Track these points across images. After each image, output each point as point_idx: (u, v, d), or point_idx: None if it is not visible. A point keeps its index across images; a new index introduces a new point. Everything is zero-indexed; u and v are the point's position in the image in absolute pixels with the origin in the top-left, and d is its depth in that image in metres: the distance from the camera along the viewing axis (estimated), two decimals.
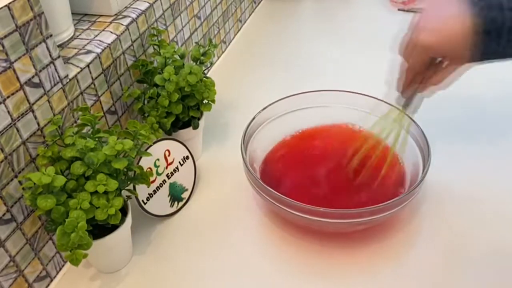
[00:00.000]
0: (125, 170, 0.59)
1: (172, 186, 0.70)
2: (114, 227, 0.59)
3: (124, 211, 0.61)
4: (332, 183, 0.71)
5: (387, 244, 0.65)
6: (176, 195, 0.71)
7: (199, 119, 0.76)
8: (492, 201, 0.70)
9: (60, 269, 0.64)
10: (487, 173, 0.74)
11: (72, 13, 0.67)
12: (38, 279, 0.60)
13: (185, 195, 0.73)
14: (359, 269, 0.62)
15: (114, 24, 0.70)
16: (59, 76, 0.58)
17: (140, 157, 0.64)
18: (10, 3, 0.49)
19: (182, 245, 0.67)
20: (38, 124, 0.56)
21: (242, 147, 0.68)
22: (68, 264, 0.65)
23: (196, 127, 0.75)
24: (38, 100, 0.55)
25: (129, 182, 0.61)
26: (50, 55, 0.56)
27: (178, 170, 0.71)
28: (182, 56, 0.74)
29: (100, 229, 0.58)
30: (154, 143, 0.67)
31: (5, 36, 0.49)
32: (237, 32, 1.16)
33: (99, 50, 0.65)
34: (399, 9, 1.20)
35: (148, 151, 0.64)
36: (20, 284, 0.57)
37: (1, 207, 0.53)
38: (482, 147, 0.78)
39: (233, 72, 1.02)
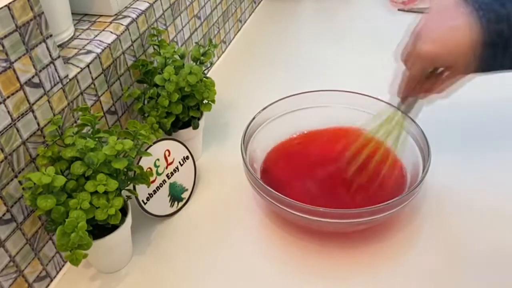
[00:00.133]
0: (125, 170, 0.59)
1: (172, 186, 0.70)
2: (114, 227, 0.59)
3: (124, 211, 0.61)
4: (333, 183, 0.71)
5: (387, 244, 0.65)
6: (176, 195, 0.71)
7: (199, 119, 0.76)
8: (492, 201, 0.70)
9: (60, 269, 0.64)
10: (487, 173, 0.74)
11: (72, 13, 0.67)
12: (38, 279, 0.60)
13: (185, 195, 0.73)
14: (359, 269, 0.62)
15: (114, 24, 0.70)
16: (59, 76, 0.58)
17: (140, 157, 0.64)
18: (10, 3, 0.49)
19: (182, 245, 0.67)
20: (38, 124, 0.56)
21: (242, 147, 0.68)
22: (68, 264, 0.65)
23: (196, 127, 0.75)
24: (38, 100, 0.55)
25: (129, 182, 0.61)
26: (50, 55, 0.56)
27: (178, 170, 0.71)
28: (182, 56, 0.74)
29: (100, 229, 0.58)
30: (154, 143, 0.67)
31: (5, 36, 0.49)
32: (237, 32, 1.16)
33: (99, 50, 0.65)
34: (399, 9, 1.20)
35: (148, 151, 0.64)
36: (20, 284, 0.57)
37: (1, 207, 0.53)
38: (482, 147, 0.78)
39: (233, 72, 1.02)
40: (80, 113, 0.62)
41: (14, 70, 0.51)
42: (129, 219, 0.61)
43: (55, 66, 0.57)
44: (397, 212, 0.62)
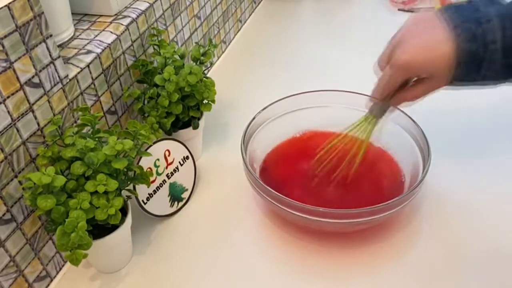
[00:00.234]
0: (125, 170, 0.59)
1: (172, 186, 0.70)
2: (114, 227, 0.59)
3: (124, 211, 0.61)
4: (332, 183, 0.71)
5: (387, 244, 0.65)
6: (176, 195, 0.71)
7: (199, 119, 0.76)
8: (492, 201, 0.70)
9: (60, 269, 0.64)
10: (487, 173, 0.74)
11: (72, 13, 0.67)
12: (38, 279, 0.60)
13: (185, 195, 0.73)
14: (359, 269, 0.62)
15: (114, 24, 0.70)
16: (59, 76, 0.58)
17: (140, 157, 0.64)
18: (10, 3, 0.49)
19: (182, 245, 0.67)
20: (38, 124, 0.56)
21: (242, 147, 0.68)
22: (68, 264, 0.65)
23: (196, 127, 0.75)
24: (38, 100, 0.55)
25: (129, 182, 0.61)
26: (50, 55, 0.56)
27: (178, 170, 0.71)
28: (182, 56, 0.74)
29: (100, 229, 0.58)
30: (154, 143, 0.67)
31: (5, 36, 0.49)
32: (237, 32, 1.16)
33: (99, 50, 0.65)
34: (399, 9, 1.20)
35: (148, 151, 0.64)
36: (20, 284, 0.57)
37: (1, 207, 0.53)
38: (482, 147, 0.78)
39: (233, 72, 1.02)
40: (80, 113, 0.62)
41: (14, 70, 0.51)
42: (129, 219, 0.61)
43: (55, 66, 0.57)
44: (397, 212, 0.62)
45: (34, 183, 0.51)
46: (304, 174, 0.72)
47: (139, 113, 0.73)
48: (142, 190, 0.65)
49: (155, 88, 0.70)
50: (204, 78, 0.74)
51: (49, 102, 0.57)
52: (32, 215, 0.57)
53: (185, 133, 0.75)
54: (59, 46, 0.65)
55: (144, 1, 0.76)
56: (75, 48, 0.65)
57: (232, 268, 0.64)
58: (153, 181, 0.67)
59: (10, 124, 0.52)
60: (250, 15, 1.23)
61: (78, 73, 0.62)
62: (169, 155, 0.69)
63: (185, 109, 0.72)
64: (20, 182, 0.55)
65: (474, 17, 0.54)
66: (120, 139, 0.57)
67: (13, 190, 0.54)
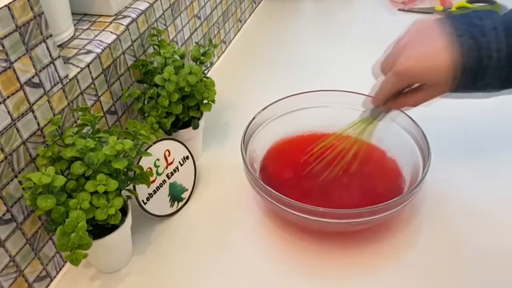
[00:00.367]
0: (125, 170, 0.59)
1: (172, 186, 0.70)
2: (114, 227, 0.59)
3: (124, 211, 0.61)
4: (332, 183, 0.71)
5: (387, 244, 0.65)
6: (176, 195, 0.71)
7: (199, 119, 0.76)
8: (492, 201, 0.70)
9: (60, 269, 0.64)
10: (487, 173, 0.74)
11: (72, 13, 0.67)
12: (38, 279, 0.60)
13: (185, 195, 0.73)
14: (359, 269, 0.63)
15: (114, 24, 0.70)
16: (59, 76, 0.58)
17: (140, 157, 0.64)
18: (10, 3, 0.49)
19: (182, 245, 0.67)
20: (38, 124, 0.56)
21: (242, 147, 0.68)
22: (68, 264, 0.65)
23: (196, 127, 0.75)
24: (38, 100, 0.55)
25: (129, 182, 0.61)
26: (50, 55, 0.56)
27: (178, 170, 0.71)
28: (182, 56, 0.74)
29: (100, 229, 0.58)
30: (154, 143, 0.67)
31: (5, 36, 0.49)
32: (237, 32, 1.16)
33: (99, 50, 0.65)
34: (399, 9, 1.20)
35: (148, 151, 0.64)
36: (20, 284, 0.57)
37: (1, 207, 0.53)
38: (482, 147, 0.78)
39: (233, 72, 1.02)
40: (80, 113, 0.62)
41: (14, 70, 0.51)
42: (129, 219, 0.61)
43: (55, 66, 0.57)
44: (397, 212, 0.62)
45: (34, 183, 0.51)
46: (304, 174, 0.72)
47: (139, 113, 0.73)
48: (142, 190, 0.65)
49: (155, 88, 0.70)
50: (204, 78, 0.74)
51: (49, 102, 0.57)
52: (32, 215, 0.57)
53: (185, 133, 0.75)
54: (59, 46, 0.65)
55: (144, 1, 0.76)
56: (75, 48, 0.65)
57: (232, 268, 0.64)
58: (153, 181, 0.67)
59: (10, 124, 0.52)
60: (250, 15, 1.23)
61: (78, 73, 0.62)
62: (169, 155, 0.69)
63: (185, 109, 0.72)
64: (20, 182, 0.55)
65: (478, 24, 0.55)
66: (120, 139, 0.57)
67: (13, 190, 0.54)
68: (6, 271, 0.55)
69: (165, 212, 0.70)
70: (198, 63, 0.75)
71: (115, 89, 0.70)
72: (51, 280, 0.63)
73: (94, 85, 0.65)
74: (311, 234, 0.67)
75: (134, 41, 0.73)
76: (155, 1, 0.77)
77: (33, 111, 0.55)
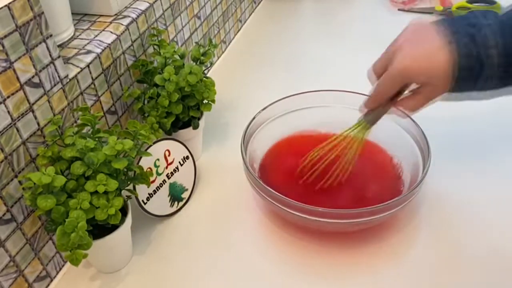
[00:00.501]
0: (125, 170, 0.59)
1: (172, 186, 0.70)
2: (114, 227, 0.59)
3: (124, 211, 0.61)
4: (332, 183, 0.71)
5: (387, 244, 0.65)
6: (176, 195, 0.71)
7: (199, 119, 0.76)
8: (492, 201, 0.70)
9: (60, 269, 0.64)
10: (487, 173, 0.74)
11: (72, 13, 0.67)
12: (38, 279, 0.60)
13: (185, 195, 0.73)
14: (358, 269, 0.63)
15: (114, 24, 0.70)
16: (59, 76, 0.58)
17: (140, 157, 0.64)
18: (10, 3, 0.49)
19: (182, 245, 0.67)
20: (38, 124, 0.56)
21: (242, 147, 0.68)
22: (68, 264, 0.65)
23: (196, 127, 0.75)
24: (38, 100, 0.55)
25: (129, 182, 0.61)
26: (50, 55, 0.56)
27: (178, 170, 0.71)
28: (182, 56, 0.74)
29: (100, 229, 0.58)
30: (154, 143, 0.67)
31: (5, 36, 0.49)
32: (237, 32, 1.16)
33: (99, 50, 0.65)
34: (399, 9, 1.20)
35: (148, 151, 0.64)
36: (20, 284, 0.57)
37: (1, 207, 0.53)
38: (482, 147, 0.78)
39: (233, 72, 1.02)
40: (80, 113, 0.62)
41: (14, 70, 0.51)
42: (129, 219, 0.61)
43: (55, 66, 0.57)
44: (396, 212, 0.62)
45: (34, 183, 0.51)
46: (303, 178, 0.72)
47: (139, 113, 0.73)
48: (142, 190, 0.65)
49: (155, 88, 0.70)
50: (204, 78, 0.74)
51: (49, 102, 0.57)
52: (32, 215, 0.57)
53: (185, 133, 0.75)
54: (59, 46, 0.65)
55: (144, 1, 0.76)
56: (75, 48, 0.65)
57: (232, 268, 0.64)
58: (153, 181, 0.67)
59: (10, 124, 0.52)
60: (250, 15, 1.23)
61: (78, 73, 0.62)
62: (169, 155, 0.69)
63: (185, 109, 0.72)
64: (20, 182, 0.55)
65: (474, 23, 0.54)
66: (120, 139, 0.57)
67: (13, 190, 0.54)
68: (6, 271, 0.55)
69: (165, 212, 0.70)
70: (198, 63, 0.75)
71: (115, 89, 0.70)
72: (51, 280, 0.63)
73: (94, 85, 0.65)
74: (311, 234, 0.67)
75: (134, 41, 0.73)
76: (155, 1, 0.77)
77: (33, 111, 0.55)
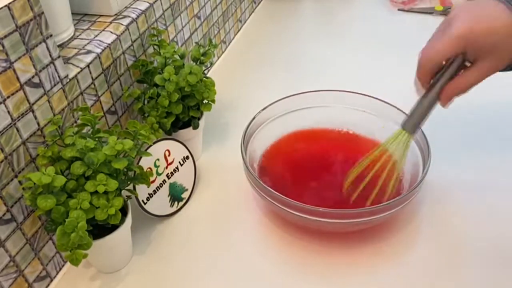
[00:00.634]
0: (125, 170, 0.59)
1: (172, 186, 0.70)
2: (114, 227, 0.59)
3: (124, 211, 0.61)
4: (332, 183, 0.71)
5: (387, 244, 0.65)
6: (176, 195, 0.71)
7: (199, 119, 0.76)
8: (492, 200, 0.70)
9: (60, 269, 0.64)
10: (487, 173, 0.74)
11: (72, 13, 0.67)
12: (38, 279, 0.60)
13: (185, 195, 0.73)
14: (358, 269, 0.63)
15: (114, 24, 0.70)
16: (59, 76, 0.58)
17: (140, 157, 0.64)
18: (10, 3, 0.49)
19: (182, 245, 0.67)
20: (38, 124, 0.56)
21: (242, 147, 0.68)
22: (68, 264, 0.65)
23: (196, 127, 0.75)
24: (38, 100, 0.55)
25: (129, 182, 0.61)
26: (50, 55, 0.56)
27: (178, 170, 0.71)
28: (182, 56, 0.74)
29: (100, 229, 0.58)
30: (154, 143, 0.67)
31: (5, 36, 0.49)
32: (237, 32, 1.16)
33: (99, 50, 0.65)
34: (399, 9, 1.20)
35: (148, 151, 0.64)
36: (20, 284, 0.57)
37: (1, 207, 0.53)
38: (482, 147, 0.78)
39: (233, 72, 1.02)
40: (80, 113, 0.62)
41: (14, 70, 0.51)
42: (129, 219, 0.61)
43: (55, 66, 0.57)
44: (397, 212, 0.62)
45: (34, 183, 0.51)
46: (304, 174, 0.72)
47: (139, 113, 0.73)
48: (142, 190, 0.65)
49: (155, 88, 0.70)
50: (204, 78, 0.74)
51: (49, 102, 0.57)
52: (32, 215, 0.57)
53: (185, 133, 0.75)
54: (59, 46, 0.65)
55: (144, 1, 0.76)
56: (75, 48, 0.65)
57: (232, 268, 0.64)
58: (153, 181, 0.67)
59: (10, 124, 0.52)
60: (250, 15, 1.23)
61: (78, 73, 0.62)
62: (169, 155, 0.69)
63: (185, 109, 0.72)
64: (20, 182, 0.55)
65: None
66: (120, 139, 0.57)
67: (13, 190, 0.54)
68: (6, 271, 0.55)
69: (165, 212, 0.70)
70: (198, 63, 0.75)
71: (115, 89, 0.70)
72: (51, 280, 0.63)
73: (94, 85, 0.65)
74: (311, 234, 0.67)
75: (134, 41, 0.73)
76: (155, 1, 0.77)
77: (33, 111, 0.55)
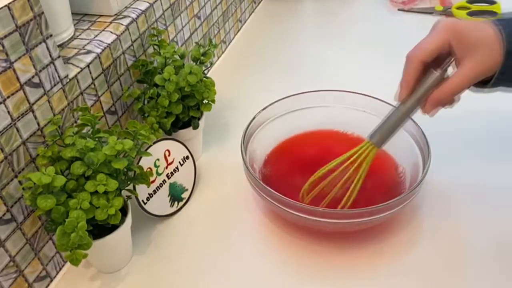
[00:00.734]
0: (125, 170, 0.59)
1: (172, 186, 0.70)
2: (114, 227, 0.59)
3: (124, 211, 0.61)
4: (332, 183, 0.71)
5: (387, 244, 0.65)
6: (176, 195, 0.71)
7: (199, 119, 0.76)
8: (492, 200, 0.70)
9: (60, 269, 0.64)
10: (487, 173, 0.74)
11: (72, 13, 0.67)
12: (38, 279, 0.60)
13: (185, 195, 0.73)
14: (359, 269, 0.63)
15: (114, 24, 0.70)
16: (59, 76, 0.58)
17: (140, 157, 0.64)
18: (10, 3, 0.49)
19: (182, 245, 0.67)
20: (38, 124, 0.56)
21: (242, 147, 0.68)
22: (68, 264, 0.65)
23: (196, 127, 0.75)
24: (38, 100, 0.55)
25: (129, 182, 0.61)
26: (50, 55, 0.56)
27: (178, 170, 0.71)
28: (182, 56, 0.74)
29: (100, 229, 0.58)
30: (154, 143, 0.67)
31: (5, 36, 0.49)
32: (237, 32, 1.16)
33: (99, 50, 0.65)
34: (399, 9, 1.20)
35: (148, 151, 0.64)
36: (20, 284, 0.57)
37: (1, 207, 0.53)
38: (482, 147, 0.79)
39: (233, 72, 1.02)
40: (80, 113, 0.62)
41: (14, 70, 0.51)
42: (129, 219, 0.61)
43: (55, 66, 0.57)
44: (397, 212, 0.62)
45: (34, 183, 0.51)
46: (304, 174, 0.72)
47: (139, 113, 0.73)
48: (142, 190, 0.65)
49: (155, 88, 0.70)
50: (204, 78, 0.74)
51: (49, 102, 0.57)
52: (32, 215, 0.57)
53: (185, 133, 0.75)
54: (59, 46, 0.65)
55: (144, 1, 0.76)
56: (75, 48, 0.65)
57: (232, 268, 0.64)
58: (153, 181, 0.67)
59: (10, 124, 0.52)
60: (250, 15, 1.23)
61: (78, 73, 0.62)
62: (169, 155, 0.69)
63: (185, 109, 0.72)
64: (20, 182, 0.55)
65: None
66: (120, 139, 0.57)
67: (13, 190, 0.54)
68: (6, 271, 0.55)
69: (165, 212, 0.70)
70: (198, 63, 0.75)
71: (115, 89, 0.70)
72: (51, 280, 0.63)
73: (94, 85, 0.65)
74: (311, 234, 0.67)
75: (134, 41, 0.73)
76: (155, 1, 0.77)
77: (33, 111, 0.55)
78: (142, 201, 0.66)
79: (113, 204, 0.55)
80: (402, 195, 0.61)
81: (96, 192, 0.54)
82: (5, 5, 0.49)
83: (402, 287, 0.60)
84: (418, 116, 0.69)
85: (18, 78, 0.52)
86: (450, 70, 0.57)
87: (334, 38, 1.12)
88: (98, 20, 0.71)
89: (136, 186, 0.63)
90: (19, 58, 0.52)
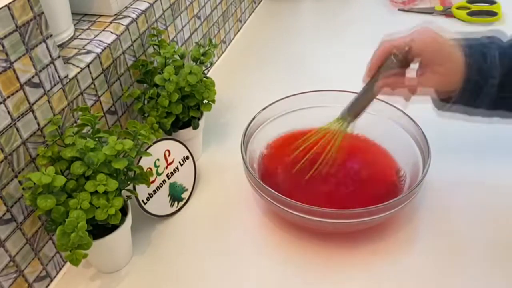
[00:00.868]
0: (125, 170, 0.59)
1: (172, 186, 0.70)
2: (114, 227, 0.59)
3: (124, 211, 0.61)
4: (332, 183, 0.71)
5: (387, 244, 0.65)
6: (176, 195, 0.71)
7: (199, 119, 0.76)
8: (491, 201, 0.70)
9: (60, 269, 0.64)
10: (487, 173, 0.74)
11: (72, 13, 0.67)
12: (38, 279, 0.60)
13: (185, 195, 0.73)
14: (358, 269, 0.63)
15: (114, 24, 0.70)
16: (59, 76, 0.58)
17: (140, 157, 0.64)
18: (10, 3, 0.49)
19: (182, 245, 0.67)
20: (38, 124, 0.56)
21: (242, 147, 0.68)
22: (68, 264, 0.65)
23: (196, 127, 0.75)
24: (38, 100, 0.55)
25: (129, 182, 0.61)
26: (50, 55, 0.56)
27: (178, 170, 0.71)
28: (182, 56, 0.74)
29: (100, 229, 0.58)
30: (154, 143, 0.67)
31: (5, 36, 0.49)
32: (237, 32, 1.16)
33: (99, 50, 0.65)
34: (399, 9, 1.20)
35: (148, 151, 0.64)
36: (20, 284, 0.57)
37: (1, 207, 0.53)
38: (482, 147, 0.79)
39: (233, 72, 1.02)
40: (80, 113, 0.62)
41: (14, 70, 0.51)
42: (129, 219, 0.61)
43: (55, 66, 0.57)
44: (396, 212, 0.62)
45: (34, 183, 0.51)
46: (304, 174, 0.72)
47: (139, 113, 0.73)
48: (142, 190, 0.65)
49: (155, 88, 0.70)
50: (204, 78, 0.74)
51: (49, 102, 0.57)
52: (32, 215, 0.57)
53: (185, 133, 0.75)
54: (59, 46, 0.65)
55: (144, 1, 0.76)
56: (75, 48, 0.65)
57: (232, 268, 0.64)
58: (153, 181, 0.67)
59: (10, 124, 0.52)
60: (250, 15, 1.23)
61: (78, 73, 0.62)
62: (169, 155, 0.69)
63: (185, 109, 0.72)
64: (20, 182, 0.55)
65: (482, 52, 0.58)
66: (120, 139, 0.57)
67: (13, 190, 0.54)
68: (6, 271, 0.55)
69: (165, 212, 0.70)
70: (198, 63, 0.75)
71: (115, 89, 0.70)
72: (51, 280, 0.63)
73: (94, 85, 0.65)
74: (311, 234, 0.67)
75: (134, 41, 0.73)
76: (155, 1, 0.77)
77: (33, 111, 0.55)
78: (142, 201, 0.66)
79: (113, 204, 0.55)
80: (402, 195, 0.61)
81: (96, 192, 0.54)
82: (5, 5, 0.49)
83: (401, 286, 0.60)
84: (418, 116, 0.70)
85: (18, 78, 0.52)
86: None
87: (334, 38, 1.12)
88: (98, 20, 0.71)
89: (136, 186, 0.63)
90: (19, 58, 0.52)
